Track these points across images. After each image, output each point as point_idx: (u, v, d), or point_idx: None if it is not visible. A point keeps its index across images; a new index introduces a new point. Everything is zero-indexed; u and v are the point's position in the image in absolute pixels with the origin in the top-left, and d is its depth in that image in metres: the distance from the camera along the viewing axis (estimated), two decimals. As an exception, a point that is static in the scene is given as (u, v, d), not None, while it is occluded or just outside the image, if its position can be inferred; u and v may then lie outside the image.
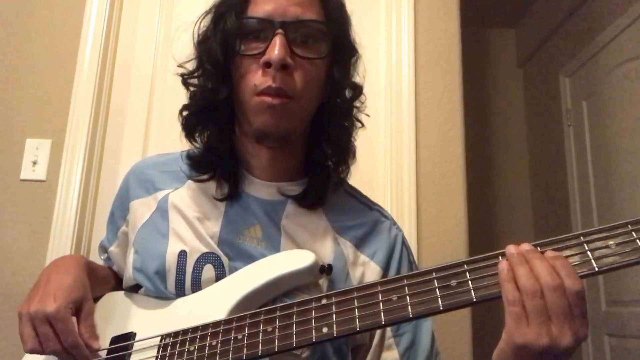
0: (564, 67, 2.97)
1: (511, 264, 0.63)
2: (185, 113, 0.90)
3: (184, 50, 0.91)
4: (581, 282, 0.60)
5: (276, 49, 0.78)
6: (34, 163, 1.68)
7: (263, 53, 0.79)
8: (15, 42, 1.78)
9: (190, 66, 0.90)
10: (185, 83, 0.90)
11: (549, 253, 0.63)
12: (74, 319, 0.82)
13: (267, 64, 0.79)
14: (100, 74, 1.72)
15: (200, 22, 0.90)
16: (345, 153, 0.92)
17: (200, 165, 0.91)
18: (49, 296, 0.81)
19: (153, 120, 1.75)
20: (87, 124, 1.67)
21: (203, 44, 0.88)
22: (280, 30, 0.79)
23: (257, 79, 0.80)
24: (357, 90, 0.92)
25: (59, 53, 1.77)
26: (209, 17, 0.88)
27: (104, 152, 1.73)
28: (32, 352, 0.81)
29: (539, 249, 0.64)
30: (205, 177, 0.91)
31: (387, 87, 1.75)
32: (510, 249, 0.64)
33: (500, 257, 0.65)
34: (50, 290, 0.83)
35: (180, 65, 0.91)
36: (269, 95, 0.79)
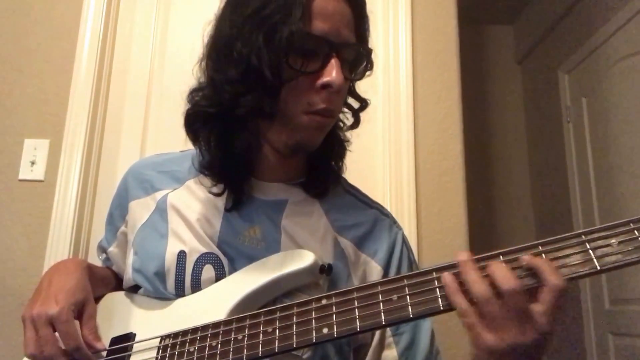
0: (563, 64, 2.96)
1: (462, 272, 0.64)
2: (199, 110, 0.86)
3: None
4: (561, 278, 0.61)
5: (335, 73, 0.77)
6: (32, 163, 1.67)
7: (318, 72, 0.78)
8: (12, 43, 1.78)
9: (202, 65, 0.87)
10: (214, 84, 0.84)
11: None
12: (76, 322, 0.82)
13: (327, 86, 0.78)
14: (97, 74, 1.72)
15: (222, 18, 0.85)
16: (342, 150, 0.94)
17: (220, 176, 0.88)
18: (51, 299, 0.81)
19: (151, 120, 1.75)
20: (85, 124, 1.68)
21: (247, 48, 0.79)
22: (335, 53, 0.79)
23: (312, 98, 0.79)
24: (364, 103, 0.94)
25: (56, 53, 1.77)
26: (247, 17, 0.80)
27: (102, 152, 1.73)
28: (32, 357, 0.81)
29: (540, 248, 0.64)
30: (217, 190, 0.88)
31: (385, 85, 1.75)
32: (462, 255, 0.66)
33: (501, 257, 0.65)
34: (52, 293, 0.82)
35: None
36: (322, 116, 0.80)
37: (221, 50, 0.83)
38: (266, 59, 0.77)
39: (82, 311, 0.84)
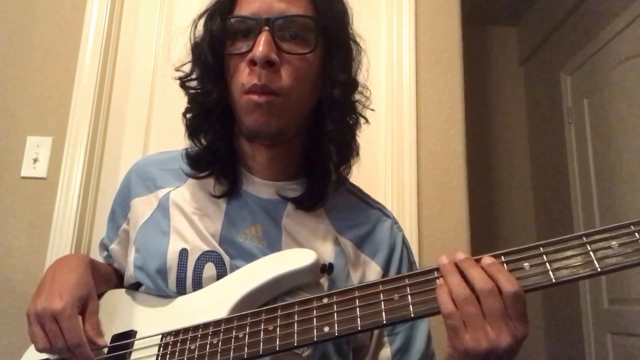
0: (565, 65, 2.96)
1: (443, 275, 0.65)
2: (188, 116, 0.90)
3: (182, 54, 0.91)
4: (517, 285, 0.62)
5: (260, 46, 0.77)
6: (35, 160, 1.68)
7: (250, 51, 0.79)
8: (16, 40, 1.78)
9: (187, 69, 0.90)
10: (184, 86, 0.90)
11: (486, 260, 0.65)
12: (79, 317, 0.82)
13: (252, 62, 0.78)
14: (101, 72, 1.72)
15: (196, 25, 0.89)
16: (347, 151, 0.91)
17: (199, 163, 0.91)
18: (55, 295, 0.82)
19: (154, 118, 1.75)
20: (88, 122, 1.67)
21: (196, 47, 0.88)
22: (265, 27, 0.79)
23: (244, 77, 0.80)
24: (353, 84, 0.90)
25: (60, 51, 1.77)
26: (204, 19, 0.88)
27: (105, 150, 1.73)
28: (43, 351, 0.82)
29: (542, 250, 0.64)
30: (203, 174, 0.91)
31: (388, 85, 1.74)
32: (442, 259, 0.66)
33: (502, 257, 0.65)
34: (56, 289, 0.83)
35: (177, 69, 0.91)
36: (255, 94, 0.79)
37: (192, 56, 0.90)
38: (208, 50, 0.84)
39: (85, 307, 0.85)
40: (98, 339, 0.83)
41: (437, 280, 0.66)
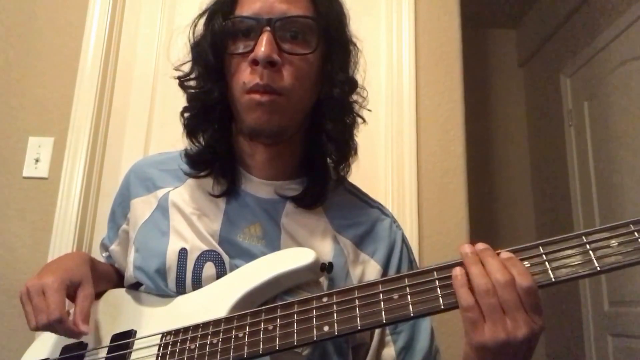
0: (564, 67, 2.97)
1: (466, 264, 0.65)
2: (186, 115, 0.91)
3: (181, 54, 0.91)
4: (531, 279, 0.61)
5: (262, 46, 0.78)
6: (37, 161, 1.68)
7: (251, 51, 0.80)
8: (18, 41, 1.79)
9: (187, 69, 0.91)
10: (183, 86, 0.91)
11: (503, 254, 0.64)
12: (65, 295, 0.82)
13: (255, 62, 0.79)
14: (102, 73, 1.73)
15: (196, 25, 0.90)
16: (346, 150, 0.91)
17: (198, 163, 0.91)
18: (48, 272, 0.83)
19: (155, 118, 1.76)
20: (89, 122, 1.68)
21: (197, 46, 0.89)
22: (267, 27, 0.80)
23: (246, 77, 0.81)
24: (352, 84, 0.91)
25: (61, 52, 1.77)
26: (204, 19, 0.89)
27: (106, 150, 1.73)
28: (35, 329, 0.81)
29: (541, 249, 0.64)
30: (202, 173, 0.91)
31: (388, 87, 1.75)
32: (465, 248, 0.66)
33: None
34: (50, 269, 0.85)
35: (176, 68, 0.91)
36: (257, 93, 0.80)
37: (192, 55, 0.91)
38: (209, 49, 0.84)
39: (77, 292, 0.85)
40: (83, 325, 0.81)
41: (453, 271, 0.65)
